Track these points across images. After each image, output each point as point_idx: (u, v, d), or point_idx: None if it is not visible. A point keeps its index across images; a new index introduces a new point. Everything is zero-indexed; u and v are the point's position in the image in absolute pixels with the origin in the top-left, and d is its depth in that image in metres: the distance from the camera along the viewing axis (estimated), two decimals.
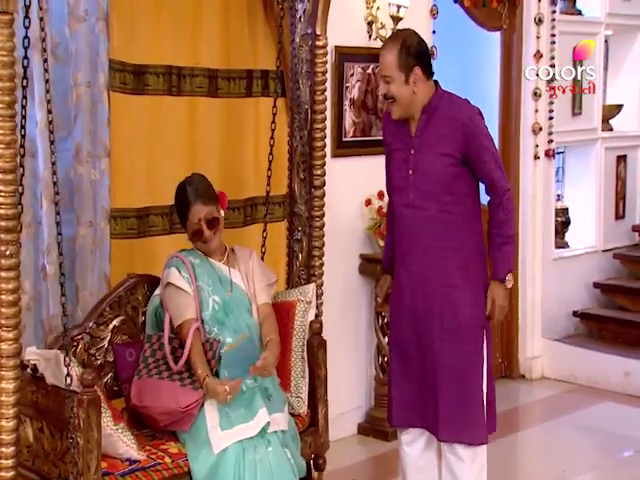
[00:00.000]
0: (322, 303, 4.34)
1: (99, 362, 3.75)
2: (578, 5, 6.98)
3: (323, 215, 4.30)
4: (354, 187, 5.32)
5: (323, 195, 4.29)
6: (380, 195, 5.31)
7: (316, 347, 4.04)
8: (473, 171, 3.74)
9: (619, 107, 7.37)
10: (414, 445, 3.96)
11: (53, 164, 3.20)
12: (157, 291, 3.84)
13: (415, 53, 3.69)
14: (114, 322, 3.81)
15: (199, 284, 3.73)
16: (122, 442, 3.35)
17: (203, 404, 3.56)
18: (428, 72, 3.73)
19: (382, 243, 5.28)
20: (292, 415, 3.83)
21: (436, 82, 3.81)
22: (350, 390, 5.44)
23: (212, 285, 3.76)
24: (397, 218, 3.85)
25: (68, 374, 3.19)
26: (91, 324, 3.74)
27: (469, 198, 3.79)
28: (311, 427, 4.01)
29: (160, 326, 3.80)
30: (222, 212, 3.85)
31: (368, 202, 5.35)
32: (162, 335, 3.74)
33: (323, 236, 4.34)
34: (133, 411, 3.68)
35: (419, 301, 3.80)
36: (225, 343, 3.67)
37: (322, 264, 4.35)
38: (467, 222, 3.78)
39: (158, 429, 3.62)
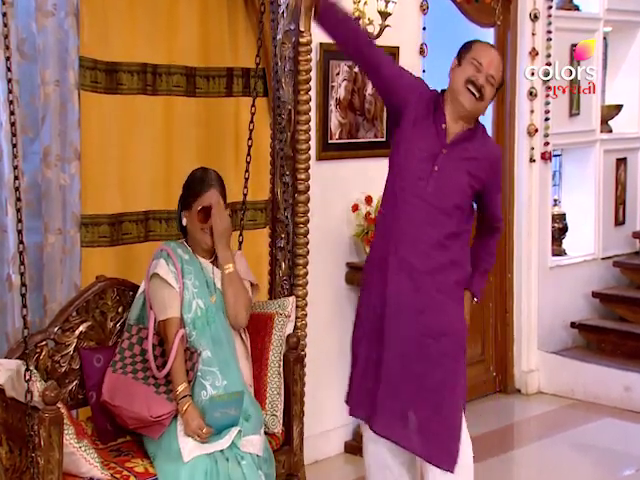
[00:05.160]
0: (306, 314, 4.31)
1: (64, 369, 3.72)
2: (575, 0, 6.98)
3: (307, 221, 4.27)
4: (340, 192, 5.29)
5: (307, 200, 4.26)
6: (368, 200, 5.28)
7: (292, 362, 4.00)
8: (482, 204, 3.96)
9: (618, 108, 7.37)
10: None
11: (15, 168, 3.15)
12: (142, 286, 3.80)
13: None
14: (80, 328, 3.78)
15: (185, 282, 3.71)
16: (85, 460, 3.33)
17: (176, 415, 3.55)
18: None
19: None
20: (266, 434, 3.81)
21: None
22: (336, 406, 5.37)
23: (198, 287, 3.75)
24: (401, 203, 3.83)
25: (29, 390, 3.15)
26: (56, 330, 3.70)
27: (468, 229, 3.91)
28: (285, 446, 3.99)
29: (142, 320, 3.78)
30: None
31: (355, 208, 5.31)
32: (142, 328, 3.73)
33: (307, 244, 4.31)
34: (102, 410, 3.67)
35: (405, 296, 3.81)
36: (202, 356, 3.64)
37: (306, 273, 4.32)
38: (463, 247, 3.87)
39: (126, 429, 3.62)
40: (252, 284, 3.94)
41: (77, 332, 3.76)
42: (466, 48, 3.83)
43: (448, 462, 3.75)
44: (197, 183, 3.81)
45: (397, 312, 3.77)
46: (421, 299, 3.75)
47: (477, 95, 3.74)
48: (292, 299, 4.12)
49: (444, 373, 3.76)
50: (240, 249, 4.24)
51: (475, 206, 3.95)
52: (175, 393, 3.57)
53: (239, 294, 3.79)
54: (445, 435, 3.76)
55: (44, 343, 3.65)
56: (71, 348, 3.73)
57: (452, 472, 3.75)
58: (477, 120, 3.87)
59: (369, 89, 5.39)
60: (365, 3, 5.24)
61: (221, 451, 3.50)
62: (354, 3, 5.25)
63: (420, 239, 3.75)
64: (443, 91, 3.87)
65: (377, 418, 3.84)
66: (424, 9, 5.76)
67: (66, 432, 3.22)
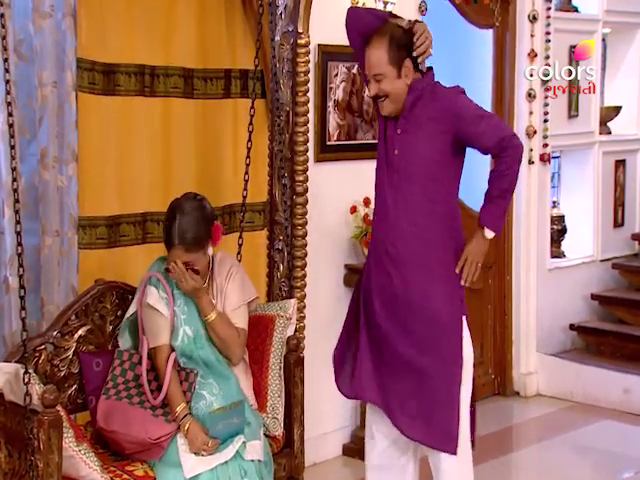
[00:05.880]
0: (304, 316, 4.32)
1: (63, 373, 3.70)
2: (574, 2, 6.98)
3: (305, 223, 4.28)
4: (338, 194, 5.29)
5: (305, 202, 4.26)
6: (366, 202, 5.28)
7: (292, 365, 3.99)
8: (468, 144, 3.71)
9: (617, 109, 7.37)
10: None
11: (13, 170, 3.15)
12: (132, 307, 3.78)
13: (404, 45, 3.68)
14: (80, 332, 3.76)
15: (174, 309, 3.68)
16: (84, 464, 3.31)
17: (175, 435, 3.52)
18: (416, 64, 3.72)
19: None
20: (266, 436, 3.80)
21: (430, 69, 3.79)
22: (334, 409, 5.39)
23: (187, 313, 3.70)
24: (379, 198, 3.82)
25: (27, 393, 3.14)
26: (55, 333, 3.68)
27: (448, 191, 3.77)
28: (286, 448, 3.97)
29: (134, 343, 3.78)
30: (211, 250, 3.74)
31: (353, 209, 5.31)
32: (133, 354, 3.73)
33: (305, 245, 4.31)
34: (98, 434, 3.64)
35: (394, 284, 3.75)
36: (197, 375, 3.63)
37: (304, 275, 4.32)
38: (448, 214, 3.76)
39: (123, 455, 3.57)
40: (250, 301, 3.89)
41: (76, 336, 3.74)
42: None
43: (450, 445, 3.69)
44: (165, 233, 3.68)
45: (385, 300, 3.76)
46: (404, 284, 3.73)
47: (381, 100, 3.73)
48: (293, 301, 4.11)
49: (428, 356, 3.72)
50: (239, 252, 4.23)
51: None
52: (175, 415, 3.55)
53: (226, 339, 3.72)
54: (442, 418, 3.69)
55: (43, 347, 3.62)
56: (70, 352, 3.72)
57: (455, 454, 3.69)
58: (416, 86, 3.71)
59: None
60: (363, 4, 5.24)
61: (224, 462, 3.48)
62: (352, 4, 5.25)
63: (397, 227, 3.73)
64: None
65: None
66: (423, 10, 5.76)
67: (65, 435, 3.21)
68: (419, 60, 3.70)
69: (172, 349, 3.66)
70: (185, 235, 3.61)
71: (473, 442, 3.85)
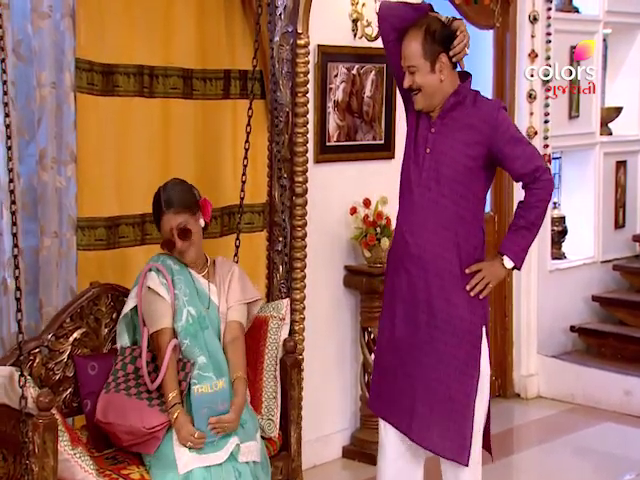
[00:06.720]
0: (304, 318, 4.31)
1: (58, 377, 3.68)
2: (575, 2, 6.98)
3: (305, 224, 4.27)
4: (338, 195, 5.29)
5: (305, 203, 4.26)
6: (366, 203, 5.27)
7: (289, 367, 3.97)
8: (499, 164, 3.71)
9: (618, 110, 7.37)
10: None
11: (10, 171, 3.15)
12: (131, 302, 3.75)
13: (440, 39, 3.64)
14: (75, 334, 3.74)
15: (175, 292, 3.68)
16: (80, 467, 3.30)
17: (170, 427, 3.51)
18: (453, 62, 3.70)
19: (368, 254, 5.25)
20: (262, 438, 3.77)
21: (467, 74, 3.77)
22: (334, 411, 5.39)
23: (189, 295, 3.70)
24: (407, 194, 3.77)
25: (23, 395, 3.13)
26: (50, 336, 3.65)
27: (478, 201, 3.75)
28: (282, 451, 3.95)
29: (132, 336, 3.77)
30: (202, 222, 3.78)
31: (353, 210, 5.31)
32: (135, 348, 3.71)
33: (305, 247, 4.31)
34: (96, 427, 3.63)
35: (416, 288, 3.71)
36: (197, 362, 3.60)
37: (304, 276, 4.32)
38: (476, 223, 3.73)
39: (121, 448, 3.57)
40: (252, 302, 3.89)
41: (71, 339, 3.72)
42: None
43: (462, 456, 3.66)
44: (154, 212, 3.73)
45: (408, 309, 3.72)
46: (426, 287, 3.68)
47: (414, 93, 3.68)
48: (286, 301, 4.09)
49: (446, 365, 3.69)
50: (236, 254, 4.23)
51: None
52: (166, 402, 3.53)
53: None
54: (456, 429, 3.66)
55: (37, 350, 3.60)
56: (65, 355, 3.69)
57: (467, 465, 3.66)
58: (462, 90, 3.71)
59: (367, 91, 5.39)
60: (363, 5, 5.24)
61: (219, 464, 3.46)
62: (352, 5, 5.26)
63: (424, 227, 3.67)
64: None
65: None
66: None
67: (61, 439, 3.20)
68: (454, 60, 3.68)
69: (174, 334, 3.64)
70: (171, 200, 3.69)
71: (490, 448, 3.85)
